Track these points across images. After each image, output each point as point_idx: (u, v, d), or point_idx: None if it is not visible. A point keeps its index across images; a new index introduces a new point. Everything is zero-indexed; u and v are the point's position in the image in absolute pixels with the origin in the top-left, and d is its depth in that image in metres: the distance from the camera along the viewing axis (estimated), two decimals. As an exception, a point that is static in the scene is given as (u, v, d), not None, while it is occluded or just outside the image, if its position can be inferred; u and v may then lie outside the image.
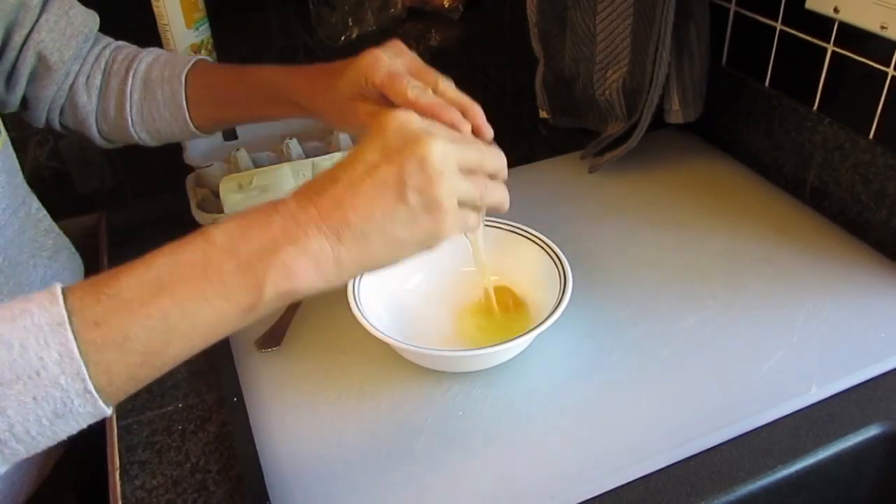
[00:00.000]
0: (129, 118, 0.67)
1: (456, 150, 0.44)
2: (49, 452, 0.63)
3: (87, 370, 0.37)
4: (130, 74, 0.67)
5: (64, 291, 0.38)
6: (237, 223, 0.41)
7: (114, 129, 0.68)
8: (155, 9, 0.94)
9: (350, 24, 1.22)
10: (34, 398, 0.36)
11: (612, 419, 0.55)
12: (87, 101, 0.67)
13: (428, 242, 0.44)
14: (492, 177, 0.48)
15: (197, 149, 0.82)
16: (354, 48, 0.55)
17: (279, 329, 0.64)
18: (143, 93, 0.67)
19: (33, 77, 0.64)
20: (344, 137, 0.80)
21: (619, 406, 0.56)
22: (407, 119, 0.44)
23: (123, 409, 0.59)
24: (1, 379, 0.36)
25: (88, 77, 0.67)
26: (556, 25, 0.87)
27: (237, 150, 0.79)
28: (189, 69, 0.66)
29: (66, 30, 0.64)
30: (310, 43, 1.24)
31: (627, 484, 0.51)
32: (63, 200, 0.87)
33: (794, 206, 0.78)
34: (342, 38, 1.21)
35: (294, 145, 0.79)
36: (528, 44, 0.91)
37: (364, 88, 0.53)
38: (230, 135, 0.86)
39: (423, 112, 0.47)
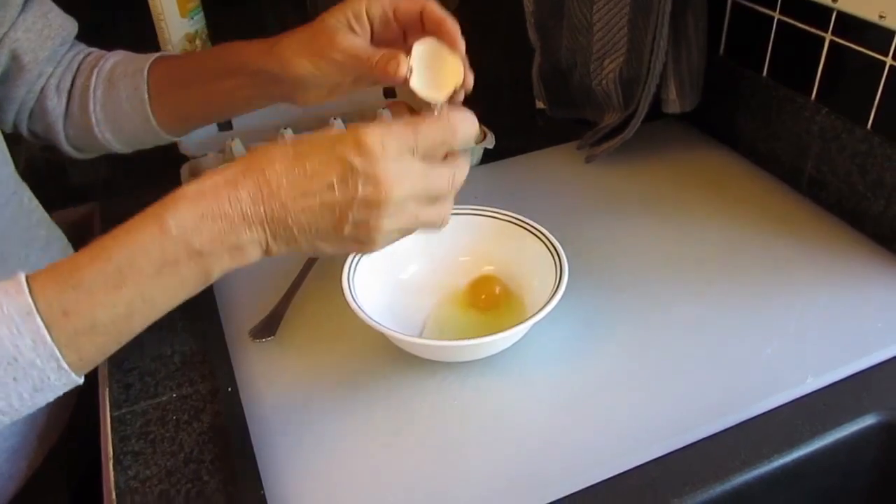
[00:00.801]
0: (93, 117, 0.66)
1: (411, 191, 0.46)
2: (40, 444, 0.63)
3: (60, 352, 0.41)
4: (95, 72, 0.66)
5: (28, 280, 0.42)
6: (191, 210, 0.44)
7: (79, 130, 0.67)
8: (149, -2, 0.93)
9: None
10: (14, 379, 0.41)
11: (608, 409, 0.55)
12: (57, 105, 0.66)
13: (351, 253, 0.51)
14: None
15: (192, 139, 0.81)
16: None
17: (274, 319, 0.64)
18: (106, 89, 0.66)
19: (5, 77, 0.63)
20: (339, 126, 0.79)
21: (614, 396, 0.56)
22: (382, 153, 0.44)
23: (117, 399, 0.59)
24: None
25: (60, 80, 0.66)
26: (552, 15, 0.87)
27: (232, 140, 0.79)
28: (152, 63, 0.65)
29: (42, 31, 0.63)
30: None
31: (623, 473, 0.51)
32: (57, 191, 0.86)
33: (792, 196, 0.78)
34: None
35: (289, 136, 0.78)
36: (525, 34, 0.91)
37: (357, 20, 0.56)
38: (225, 125, 0.86)
39: None
